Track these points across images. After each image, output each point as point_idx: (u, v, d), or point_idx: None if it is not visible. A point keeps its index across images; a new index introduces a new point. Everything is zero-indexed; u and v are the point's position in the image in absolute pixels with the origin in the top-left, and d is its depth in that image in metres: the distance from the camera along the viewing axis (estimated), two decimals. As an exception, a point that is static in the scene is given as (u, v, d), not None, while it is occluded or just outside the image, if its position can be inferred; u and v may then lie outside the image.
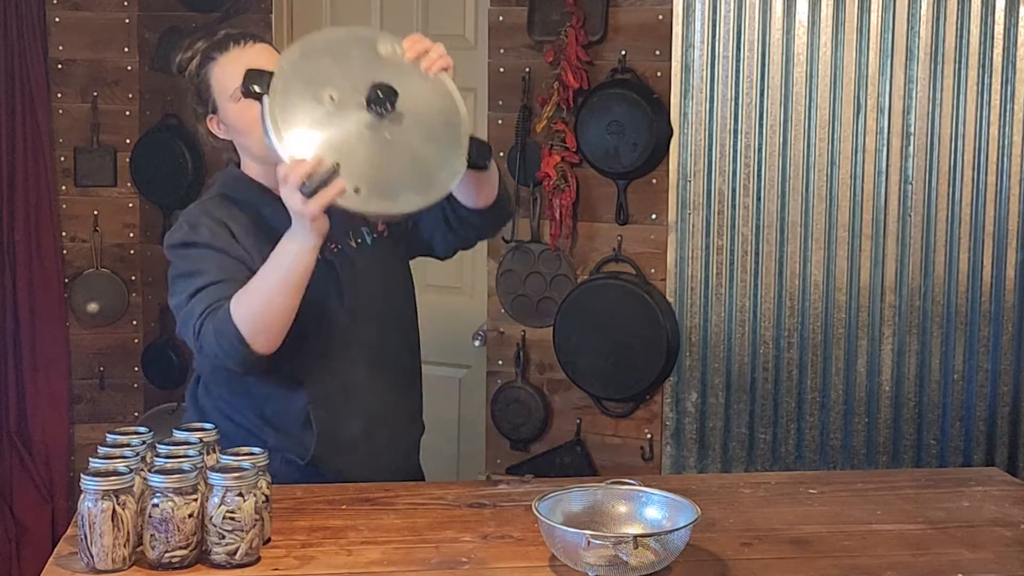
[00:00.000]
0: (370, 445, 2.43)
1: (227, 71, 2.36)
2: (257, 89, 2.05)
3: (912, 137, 3.37)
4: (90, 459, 1.94)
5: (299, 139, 2.05)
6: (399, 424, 2.51)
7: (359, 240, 2.45)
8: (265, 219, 2.39)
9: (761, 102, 3.45)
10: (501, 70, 3.74)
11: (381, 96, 2.07)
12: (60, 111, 4.19)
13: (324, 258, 2.38)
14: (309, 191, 2.04)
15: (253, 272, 2.28)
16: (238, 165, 2.47)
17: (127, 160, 4.21)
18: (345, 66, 2.11)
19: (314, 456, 2.37)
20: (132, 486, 1.89)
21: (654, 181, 3.57)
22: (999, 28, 3.28)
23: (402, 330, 2.51)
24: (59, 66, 4.18)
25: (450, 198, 2.40)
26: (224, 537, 1.91)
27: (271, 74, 2.05)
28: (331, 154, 2.04)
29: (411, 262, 2.60)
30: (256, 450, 2.03)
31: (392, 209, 2.14)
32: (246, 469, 1.92)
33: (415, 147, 2.14)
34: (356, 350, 2.41)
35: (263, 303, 2.17)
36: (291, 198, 2.07)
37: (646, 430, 3.65)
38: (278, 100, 2.04)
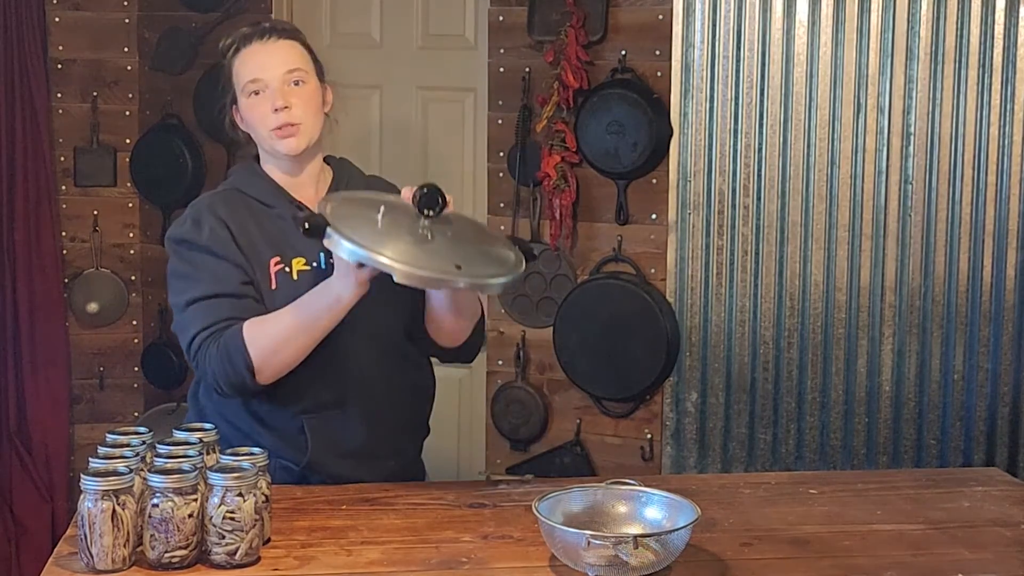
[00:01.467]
0: (368, 453, 2.41)
1: (245, 64, 2.38)
2: (317, 222, 2.09)
3: (912, 137, 3.37)
4: (90, 459, 1.95)
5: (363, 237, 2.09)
6: (401, 432, 2.49)
7: None
8: (273, 218, 2.39)
9: (761, 102, 3.45)
10: (501, 70, 3.74)
11: (427, 193, 2.13)
12: (60, 111, 4.19)
13: (324, 269, 2.36)
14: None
15: (248, 279, 2.30)
16: (257, 159, 2.48)
17: (127, 160, 4.21)
18: (381, 198, 2.24)
19: (309, 462, 2.37)
20: (132, 486, 1.89)
21: (654, 181, 3.57)
22: (999, 28, 3.28)
23: (408, 342, 2.47)
24: (59, 66, 4.18)
25: (416, 333, 2.45)
26: (224, 537, 1.91)
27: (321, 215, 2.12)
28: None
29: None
30: (256, 450, 2.03)
31: (492, 280, 2.16)
32: (246, 469, 1.92)
33: (472, 243, 2.24)
34: (354, 361, 2.37)
35: (283, 338, 2.22)
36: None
37: (646, 430, 3.65)
38: (335, 219, 2.10)
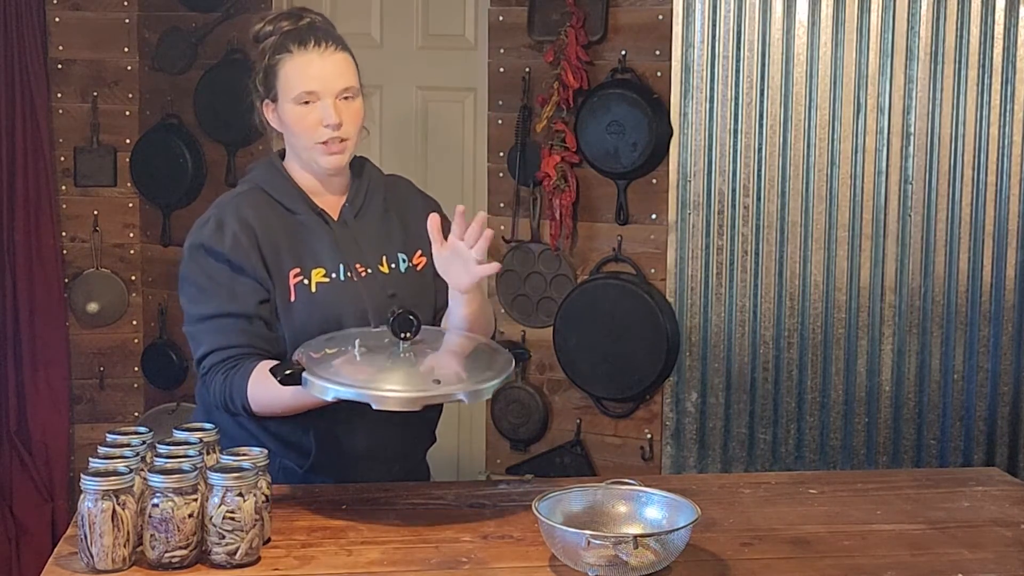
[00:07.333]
0: (372, 456, 2.40)
1: (298, 71, 2.32)
2: (294, 371, 2.11)
3: (912, 137, 3.37)
4: (90, 459, 1.95)
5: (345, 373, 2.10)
6: (407, 438, 2.47)
7: (392, 265, 2.41)
8: (295, 224, 2.36)
9: (761, 102, 3.45)
10: (501, 70, 3.74)
11: (400, 316, 2.14)
12: (60, 111, 4.19)
13: (343, 281, 2.35)
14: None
15: (264, 296, 2.29)
16: (281, 156, 2.44)
17: (127, 160, 4.21)
18: (356, 334, 2.22)
19: (312, 465, 2.36)
20: (132, 486, 1.89)
21: (654, 181, 3.57)
22: (999, 28, 3.29)
23: None
24: (59, 66, 4.18)
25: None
26: (224, 537, 1.91)
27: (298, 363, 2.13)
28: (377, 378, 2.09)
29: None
30: (256, 450, 2.03)
31: (482, 389, 2.14)
32: (246, 469, 1.92)
33: (457, 354, 2.25)
34: None
35: (280, 405, 2.25)
36: None
37: (646, 430, 3.65)
38: (315, 368, 2.09)
